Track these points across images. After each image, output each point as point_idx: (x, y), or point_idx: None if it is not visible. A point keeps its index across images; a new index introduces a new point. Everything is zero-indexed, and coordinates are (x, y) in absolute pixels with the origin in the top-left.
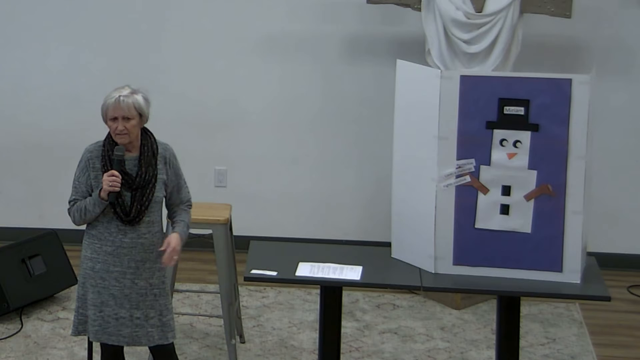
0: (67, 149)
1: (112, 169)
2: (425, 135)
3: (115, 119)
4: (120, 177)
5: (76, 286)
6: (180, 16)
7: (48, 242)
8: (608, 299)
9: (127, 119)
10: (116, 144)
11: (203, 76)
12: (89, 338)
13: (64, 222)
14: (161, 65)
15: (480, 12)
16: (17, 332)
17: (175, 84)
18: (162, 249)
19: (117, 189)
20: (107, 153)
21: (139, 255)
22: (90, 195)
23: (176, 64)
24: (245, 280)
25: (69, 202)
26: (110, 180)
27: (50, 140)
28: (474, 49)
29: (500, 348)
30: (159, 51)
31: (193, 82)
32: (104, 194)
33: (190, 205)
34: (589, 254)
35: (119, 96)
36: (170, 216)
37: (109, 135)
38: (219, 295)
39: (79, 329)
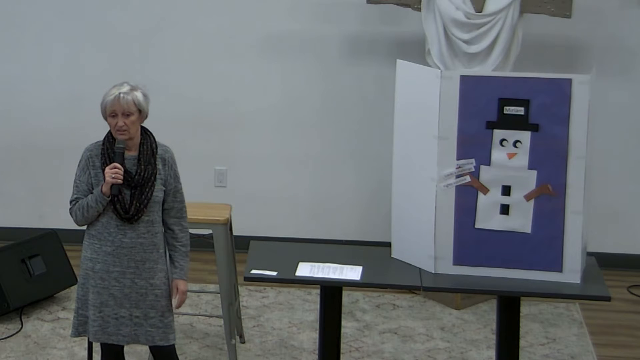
0: (67, 149)
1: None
2: (425, 135)
3: (114, 115)
4: (122, 169)
5: (76, 286)
6: (180, 16)
7: (48, 242)
8: (608, 299)
9: (126, 115)
10: (113, 143)
11: (203, 76)
12: (89, 338)
13: (64, 222)
14: (161, 66)
15: (480, 12)
16: (17, 332)
17: (175, 84)
18: (174, 297)
19: (120, 181)
20: (107, 151)
21: (139, 255)
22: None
23: (176, 64)
24: (245, 280)
25: (71, 201)
26: (113, 173)
27: (50, 140)
28: (474, 49)
29: (500, 348)
30: (159, 51)
31: (193, 82)
32: (105, 188)
33: (184, 223)
34: (589, 254)
35: (119, 93)
36: (165, 230)
37: (108, 134)
38: (219, 295)
39: (79, 329)
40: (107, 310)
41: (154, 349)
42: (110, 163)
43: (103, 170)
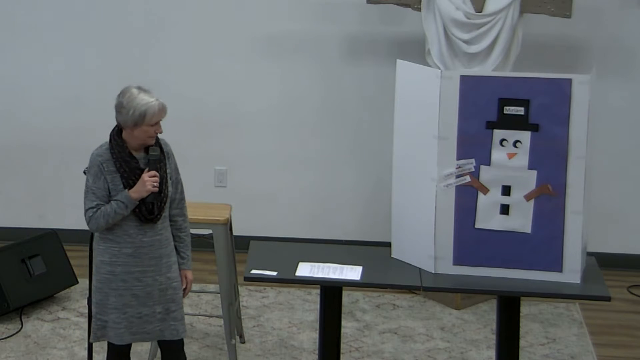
0: (67, 149)
1: (149, 169)
2: (425, 135)
3: (155, 123)
4: (158, 176)
5: (75, 286)
6: (180, 16)
7: (48, 242)
8: (608, 299)
9: (158, 122)
10: (125, 146)
11: (203, 76)
12: (90, 340)
13: (64, 222)
14: (161, 66)
15: (480, 12)
16: (17, 332)
17: (175, 84)
18: (183, 287)
19: (157, 189)
20: (120, 154)
21: (157, 252)
22: (110, 199)
23: (176, 64)
24: (245, 280)
25: (89, 208)
26: (154, 181)
27: (50, 140)
28: (474, 49)
29: (500, 348)
30: (159, 51)
31: (193, 82)
32: (138, 195)
33: (185, 213)
34: (589, 254)
35: (159, 102)
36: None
37: (114, 137)
38: (219, 295)
39: (98, 334)
40: (130, 311)
41: (165, 344)
42: (127, 167)
43: (120, 175)
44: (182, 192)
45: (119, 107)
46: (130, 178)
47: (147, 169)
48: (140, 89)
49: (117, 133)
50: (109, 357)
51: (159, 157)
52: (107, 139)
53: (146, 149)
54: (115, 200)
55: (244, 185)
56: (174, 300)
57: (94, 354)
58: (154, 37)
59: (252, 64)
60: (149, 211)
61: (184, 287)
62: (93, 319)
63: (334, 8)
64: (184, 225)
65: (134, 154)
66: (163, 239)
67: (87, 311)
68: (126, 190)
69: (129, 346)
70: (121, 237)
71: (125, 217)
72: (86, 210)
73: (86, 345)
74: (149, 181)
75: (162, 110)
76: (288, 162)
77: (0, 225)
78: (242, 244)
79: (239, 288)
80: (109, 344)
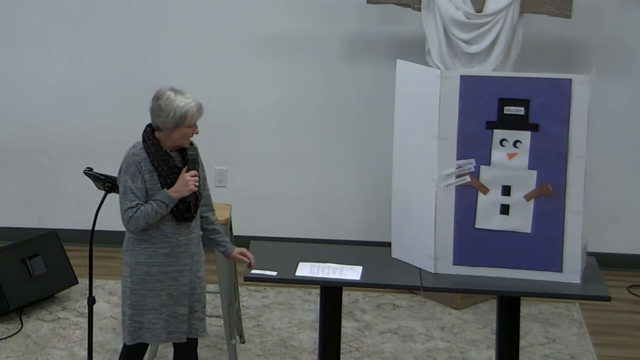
0: (67, 149)
1: (189, 169)
2: (425, 135)
3: (194, 124)
4: (199, 175)
5: (75, 286)
6: (180, 16)
7: (48, 242)
8: (608, 299)
9: (196, 123)
10: (161, 145)
11: (203, 76)
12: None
13: (64, 222)
14: (161, 66)
15: (480, 12)
16: (17, 332)
17: (176, 84)
18: (249, 262)
19: (197, 188)
20: (158, 153)
21: (190, 251)
22: (146, 199)
23: (176, 64)
24: (245, 280)
25: (129, 208)
26: (195, 180)
27: (50, 140)
28: (474, 49)
29: (500, 348)
30: (159, 52)
31: (193, 82)
32: (177, 194)
33: (213, 207)
34: (589, 254)
35: (199, 102)
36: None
37: (148, 137)
38: (219, 295)
39: (134, 336)
40: (166, 311)
41: (181, 344)
42: (166, 166)
43: (158, 174)
44: (208, 188)
45: (157, 110)
46: (169, 177)
47: (185, 169)
48: (174, 90)
49: (150, 133)
50: (127, 357)
51: (197, 156)
52: (107, 138)
53: (180, 149)
54: (155, 200)
55: (244, 185)
56: (200, 300)
57: (94, 354)
58: (153, 37)
59: (252, 64)
60: (186, 209)
61: (249, 262)
62: (128, 321)
63: (334, 8)
64: (214, 217)
65: (170, 153)
66: (195, 237)
67: (87, 311)
68: (165, 189)
69: (146, 346)
70: (157, 237)
71: (162, 217)
72: (125, 210)
73: (86, 345)
74: (191, 181)
75: (200, 110)
76: (288, 162)
77: (0, 225)
78: (242, 244)
79: (239, 288)
80: (138, 343)
